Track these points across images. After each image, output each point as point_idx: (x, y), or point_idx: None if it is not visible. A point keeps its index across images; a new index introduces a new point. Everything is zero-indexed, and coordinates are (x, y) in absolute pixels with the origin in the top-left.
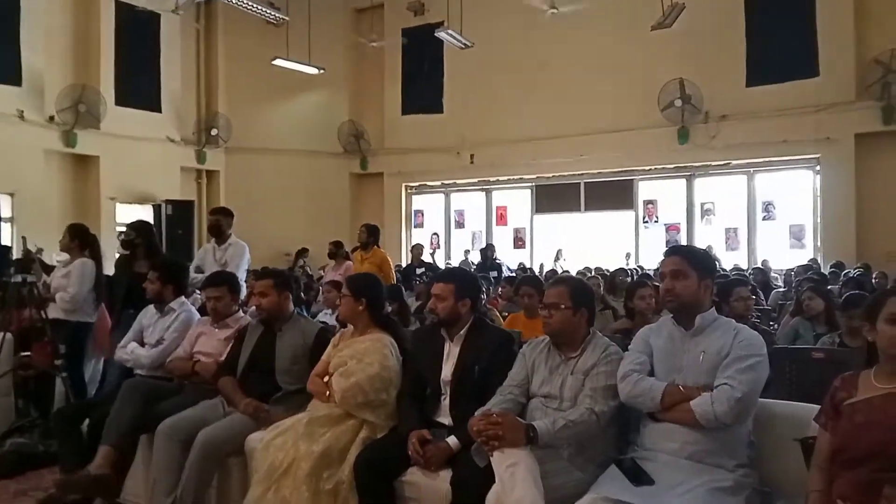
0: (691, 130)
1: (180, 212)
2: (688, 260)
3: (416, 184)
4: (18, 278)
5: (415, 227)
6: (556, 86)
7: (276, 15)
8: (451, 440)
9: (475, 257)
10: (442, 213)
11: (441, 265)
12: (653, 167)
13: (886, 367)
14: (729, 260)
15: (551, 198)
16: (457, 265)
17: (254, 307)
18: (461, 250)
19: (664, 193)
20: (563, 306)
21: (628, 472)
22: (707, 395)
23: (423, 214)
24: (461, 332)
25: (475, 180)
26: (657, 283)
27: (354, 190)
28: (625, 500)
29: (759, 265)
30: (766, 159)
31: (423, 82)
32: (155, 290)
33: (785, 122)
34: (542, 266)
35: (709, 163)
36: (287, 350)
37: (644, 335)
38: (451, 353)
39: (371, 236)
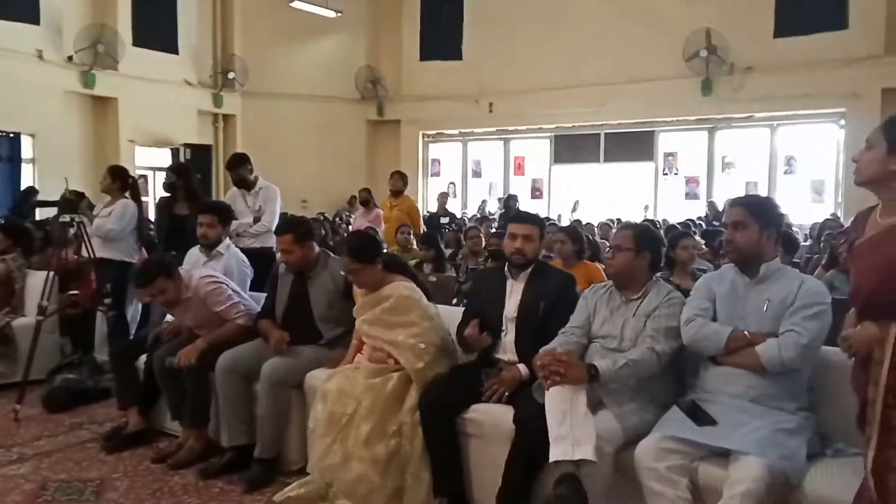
0: (715, 82)
1: (199, 156)
2: (749, 211)
3: (434, 132)
4: (66, 218)
5: (431, 175)
6: (579, 34)
7: None
8: (521, 367)
9: (492, 206)
10: (459, 162)
11: (458, 215)
12: (674, 119)
13: (887, 200)
14: None
15: (570, 148)
16: (476, 214)
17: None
18: (478, 200)
19: (685, 145)
20: (625, 248)
21: (690, 413)
22: (773, 341)
23: (440, 163)
24: (526, 272)
25: (493, 129)
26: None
27: (370, 137)
28: (692, 438)
29: None
30: (790, 113)
31: (442, 28)
32: (216, 234)
33: (811, 75)
34: (559, 217)
35: (731, 115)
36: (321, 296)
37: (707, 282)
38: (514, 291)
39: (405, 184)
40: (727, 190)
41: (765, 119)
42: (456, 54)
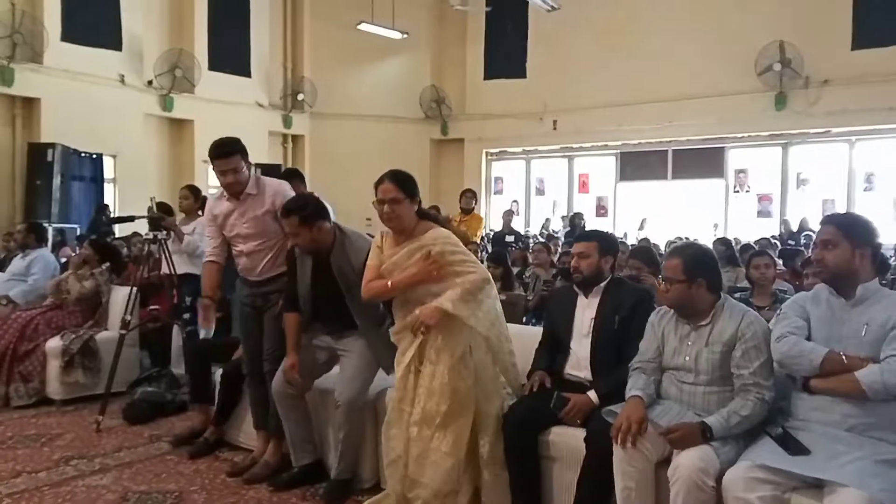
0: (789, 96)
1: (269, 175)
2: (840, 229)
3: (497, 150)
4: (150, 235)
5: (494, 193)
6: (644, 49)
7: None
8: (591, 394)
9: (556, 225)
10: (522, 179)
11: (521, 233)
12: (746, 134)
13: None
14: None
15: (636, 165)
16: (541, 232)
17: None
18: (541, 218)
19: (757, 162)
20: (677, 280)
21: (781, 442)
22: (876, 367)
23: (503, 181)
24: (599, 287)
25: (557, 147)
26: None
27: (434, 156)
28: (786, 468)
29: None
30: (870, 127)
31: (506, 46)
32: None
33: (891, 87)
34: (625, 235)
35: (807, 130)
36: (349, 275)
37: (800, 301)
38: (588, 306)
39: (476, 202)
40: (802, 208)
41: (842, 134)
42: (520, 72)
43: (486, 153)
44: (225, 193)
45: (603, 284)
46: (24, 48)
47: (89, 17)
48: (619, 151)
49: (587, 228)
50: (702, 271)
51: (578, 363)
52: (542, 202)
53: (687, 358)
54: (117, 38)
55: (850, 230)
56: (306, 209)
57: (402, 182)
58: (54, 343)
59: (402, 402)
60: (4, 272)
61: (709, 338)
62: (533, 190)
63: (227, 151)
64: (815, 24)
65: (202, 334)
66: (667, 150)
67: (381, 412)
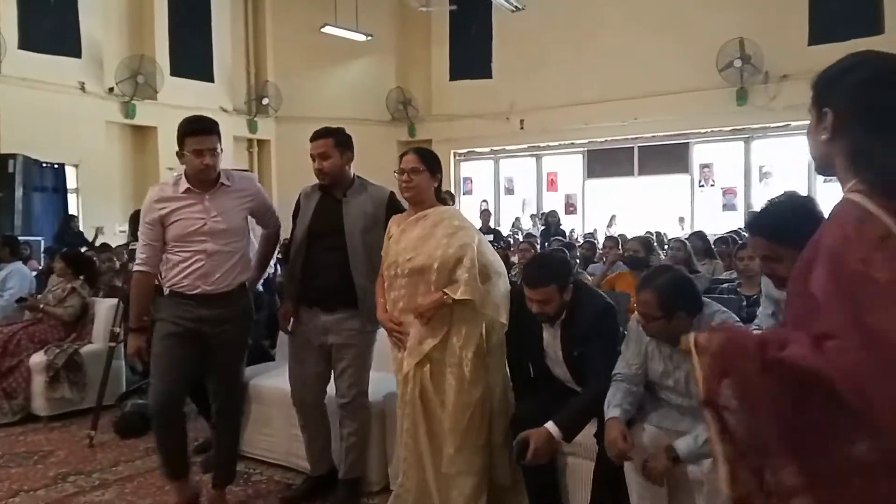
0: (750, 91)
1: None
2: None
3: (465, 150)
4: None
5: (464, 194)
6: (609, 48)
7: None
8: (551, 427)
9: (526, 223)
10: (491, 179)
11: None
12: (709, 130)
13: None
14: None
15: (604, 162)
16: (512, 231)
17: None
18: (511, 217)
19: (721, 156)
20: (655, 317)
21: None
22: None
23: (472, 181)
24: (561, 318)
25: (525, 146)
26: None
27: None
28: None
29: None
30: None
31: (471, 47)
32: None
33: None
34: (594, 231)
35: (768, 124)
36: (356, 219)
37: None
38: (555, 339)
39: (453, 202)
40: (766, 200)
41: (802, 127)
42: (486, 73)
43: (455, 154)
44: (181, 182)
45: (564, 314)
46: None
47: (47, 23)
48: (586, 149)
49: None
50: (679, 302)
51: (564, 376)
52: (512, 201)
53: (676, 381)
54: (76, 44)
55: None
56: (342, 134)
57: (424, 156)
58: (38, 358)
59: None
60: None
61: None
62: (502, 189)
63: (207, 127)
64: (774, 21)
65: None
66: (633, 147)
67: (389, 414)
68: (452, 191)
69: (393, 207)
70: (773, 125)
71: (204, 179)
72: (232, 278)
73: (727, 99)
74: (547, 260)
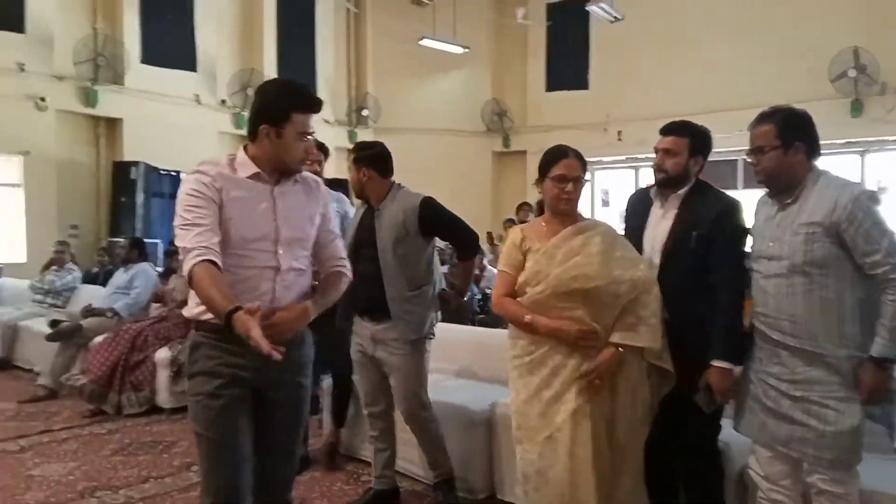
0: (866, 103)
1: (337, 190)
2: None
3: None
4: None
5: None
6: (712, 58)
7: None
8: (718, 364)
9: None
10: (587, 190)
11: None
12: (821, 142)
13: None
14: None
15: (706, 175)
16: None
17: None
18: None
19: (833, 169)
20: (771, 147)
21: None
22: None
23: None
24: (679, 194)
25: (623, 157)
26: None
27: (496, 168)
28: None
29: None
30: None
31: (567, 58)
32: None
33: None
34: None
35: (885, 137)
36: (388, 230)
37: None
38: (664, 217)
39: (534, 214)
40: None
41: None
42: (582, 84)
43: None
44: (243, 164)
45: (683, 191)
46: (106, 70)
47: (166, 39)
48: None
49: None
50: (799, 134)
51: None
52: (608, 213)
53: (771, 243)
54: (192, 59)
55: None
56: (366, 150)
57: (583, 160)
58: (163, 353)
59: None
60: (105, 286)
61: (795, 217)
62: (598, 201)
63: (319, 103)
64: (891, 30)
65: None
66: (736, 160)
67: (499, 422)
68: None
69: (428, 213)
70: (890, 138)
71: (300, 161)
72: (298, 302)
73: (841, 110)
74: (691, 124)
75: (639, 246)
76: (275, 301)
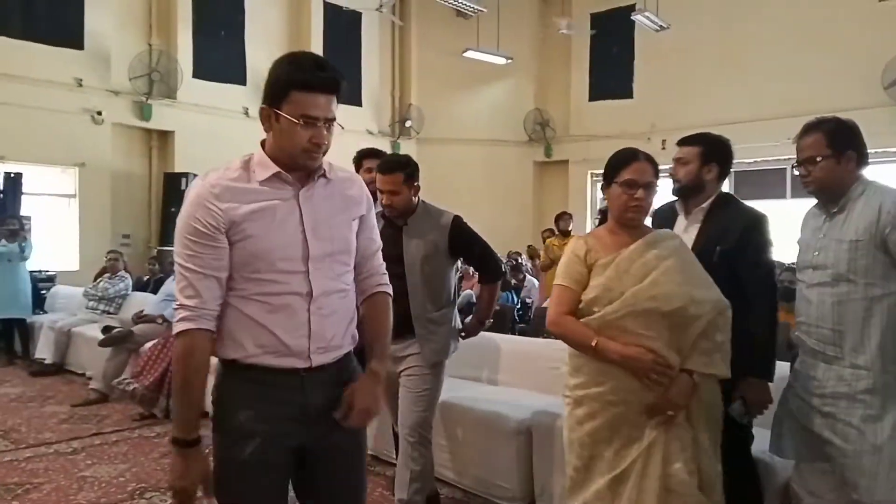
0: None
1: None
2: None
3: (602, 171)
4: None
5: (597, 216)
6: (758, 66)
7: (473, 6)
8: (753, 380)
9: None
10: None
11: None
12: (873, 151)
13: None
14: None
15: (753, 184)
16: None
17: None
18: None
19: (885, 179)
20: (822, 156)
21: None
22: None
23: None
24: (703, 206)
25: (666, 167)
26: None
27: (538, 178)
28: None
29: None
30: None
31: (611, 67)
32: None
33: None
34: None
35: None
36: (417, 247)
37: None
38: (687, 230)
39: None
40: None
41: None
42: (626, 92)
43: (591, 174)
44: (260, 164)
45: (707, 203)
46: (160, 85)
47: (218, 54)
48: (734, 170)
49: None
50: (849, 142)
51: None
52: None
53: (816, 252)
54: (242, 73)
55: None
56: (410, 165)
57: (655, 165)
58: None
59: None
60: (156, 293)
61: (841, 227)
62: None
63: (334, 81)
64: None
65: None
66: (784, 169)
67: (537, 432)
68: (588, 212)
69: (458, 233)
70: None
71: (304, 165)
72: (345, 330)
73: (893, 118)
74: (705, 133)
75: None
76: (313, 336)
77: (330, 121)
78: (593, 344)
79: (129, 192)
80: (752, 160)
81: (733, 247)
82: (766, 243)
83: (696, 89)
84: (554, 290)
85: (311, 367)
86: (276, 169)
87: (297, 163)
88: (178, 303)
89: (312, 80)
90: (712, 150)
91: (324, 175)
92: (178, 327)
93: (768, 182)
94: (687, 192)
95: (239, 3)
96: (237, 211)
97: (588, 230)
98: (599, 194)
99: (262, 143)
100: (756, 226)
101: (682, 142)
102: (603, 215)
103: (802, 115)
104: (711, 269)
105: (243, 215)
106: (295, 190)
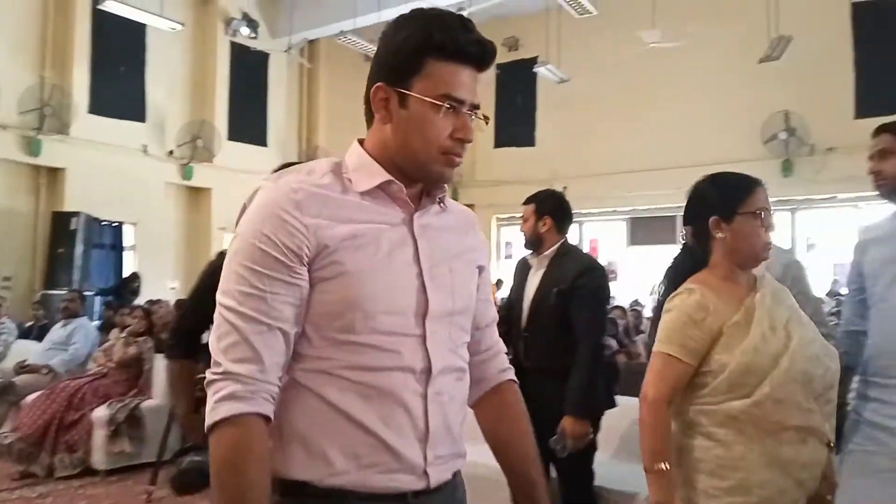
0: (796, 163)
1: None
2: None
3: (507, 216)
4: None
5: (505, 258)
6: (653, 119)
7: None
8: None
9: None
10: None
11: None
12: None
13: None
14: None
15: (647, 230)
16: None
17: None
18: None
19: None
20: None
21: None
22: None
23: (512, 246)
24: (546, 254)
25: None
26: None
27: None
28: None
29: None
30: (875, 193)
31: (515, 115)
32: None
33: None
34: (636, 301)
35: (814, 196)
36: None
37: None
38: (535, 275)
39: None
40: (811, 271)
41: (849, 199)
42: (529, 141)
43: (497, 219)
44: (360, 169)
45: (550, 252)
46: (52, 120)
47: (117, 90)
48: (629, 217)
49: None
50: None
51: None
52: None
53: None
54: (141, 110)
55: None
56: (547, 202)
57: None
58: (101, 412)
59: None
60: (41, 341)
61: None
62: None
63: (491, 53)
64: (819, 94)
65: None
66: (675, 216)
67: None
68: (494, 256)
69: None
70: (818, 197)
71: (438, 174)
72: (461, 430)
73: (773, 170)
74: (543, 191)
75: (520, 305)
76: (431, 438)
77: (475, 108)
78: (658, 468)
79: (11, 232)
80: (645, 207)
81: (568, 288)
82: (598, 289)
83: (594, 138)
84: (658, 359)
85: (428, 489)
86: (387, 177)
87: (427, 170)
88: (217, 370)
89: (464, 45)
90: (543, 206)
91: (442, 199)
92: (219, 411)
93: (661, 228)
94: (529, 245)
95: (140, 39)
96: (330, 231)
97: (493, 272)
98: (504, 238)
99: (360, 142)
100: (588, 272)
101: (525, 202)
102: (688, 263)
103: (692, 166)
104: (550, 309)
105: (338, 239)
106: (407, 213)
